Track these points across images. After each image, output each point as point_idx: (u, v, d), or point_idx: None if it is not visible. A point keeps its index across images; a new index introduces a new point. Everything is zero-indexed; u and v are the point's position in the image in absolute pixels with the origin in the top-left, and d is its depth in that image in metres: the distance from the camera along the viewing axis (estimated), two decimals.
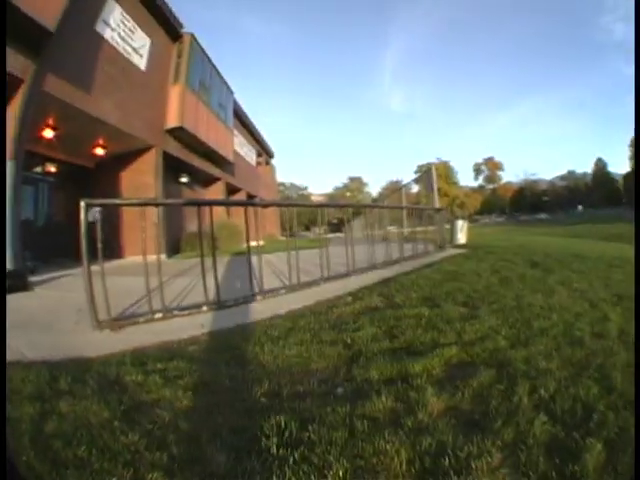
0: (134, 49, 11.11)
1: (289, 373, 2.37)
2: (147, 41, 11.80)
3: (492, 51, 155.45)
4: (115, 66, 10.17)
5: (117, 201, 4.37)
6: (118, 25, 10.33)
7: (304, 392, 2.11)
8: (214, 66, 16.14)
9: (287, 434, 1.67)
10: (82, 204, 3.46)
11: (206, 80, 15.17)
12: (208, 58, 15.49)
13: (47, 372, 2.38)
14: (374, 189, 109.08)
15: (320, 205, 7.09)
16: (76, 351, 2.86)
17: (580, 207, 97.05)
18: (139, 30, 11.36)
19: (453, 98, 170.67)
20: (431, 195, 11.42)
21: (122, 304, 4.06)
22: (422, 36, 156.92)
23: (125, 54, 10.67)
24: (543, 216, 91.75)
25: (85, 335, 3.34)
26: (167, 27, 12.90)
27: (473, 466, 1.44)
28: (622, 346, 2.64)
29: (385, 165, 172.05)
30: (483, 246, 10.07)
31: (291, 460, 1.49)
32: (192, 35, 13.95)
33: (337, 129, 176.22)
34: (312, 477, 1.42)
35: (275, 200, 21.65)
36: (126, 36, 10.70)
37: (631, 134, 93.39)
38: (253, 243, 5.42)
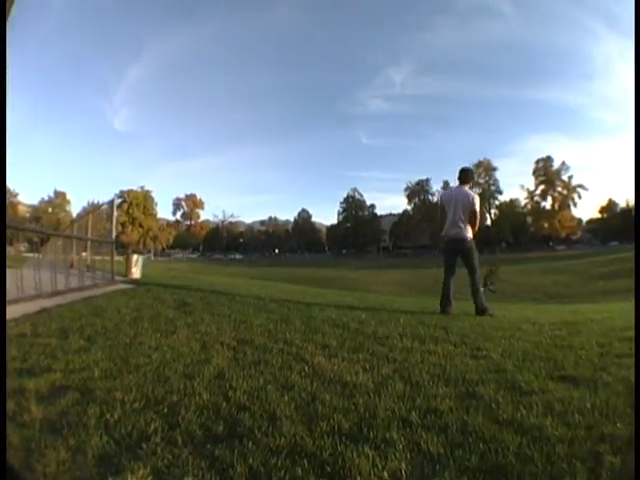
0: None
1: None
2: None
3: (212, 94, 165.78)
4: None
5: None
6: None
7: None
8: None
9: None
10: None
11: None
12: None
13: None
14: (77, 208, 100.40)
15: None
16: None
17: (277, 250, 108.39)
18: None
19: (169, 129, 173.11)
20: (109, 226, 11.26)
21: None
22: (155, 67, 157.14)
23: None
24: (238, 256, 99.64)
25: None
26: None
27: None
28: (206, 388, 2.82)
29: (100, 184, 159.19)
30: (154, 283, 10.23)
31: None
32: None
33: (57, 136, 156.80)
34: None
35: None
36: None
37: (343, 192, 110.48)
38: None
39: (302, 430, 2.21)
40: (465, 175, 7.44)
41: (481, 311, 6.63)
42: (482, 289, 6.90)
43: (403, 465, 1.87)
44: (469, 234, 6.93)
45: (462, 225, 6.94)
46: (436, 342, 4.30)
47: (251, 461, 1.89)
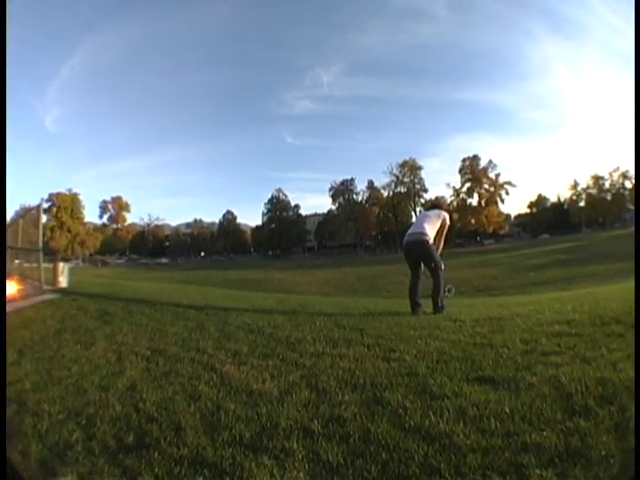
0: None
1: None
2: None
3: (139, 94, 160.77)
4: None
5: None
6: None
7: None
8: None
9: None
10: None
11: None
12: None
13: None
14: (10, 212, 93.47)
15: None
16: None
17: (203, 253, 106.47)
18: None
19: (96, 129, 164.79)
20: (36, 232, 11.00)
21: None
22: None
23: None
24: (164, 260, 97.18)
25: None
26: None
27: None
28: (119, 399, 3.00)
29: (32, 186, 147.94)
30: (80, 292, 10.15)
31: None
32: None
33: None
34: None
35: None
36: None
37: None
38: None
39: (205, 440, 2.30)
40: (432, 203, 9.34)
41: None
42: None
43: (301, 475, 1.92)
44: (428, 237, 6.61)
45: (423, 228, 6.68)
46: (349, 345, 4.15)
47: (157, 470, 2.03)
